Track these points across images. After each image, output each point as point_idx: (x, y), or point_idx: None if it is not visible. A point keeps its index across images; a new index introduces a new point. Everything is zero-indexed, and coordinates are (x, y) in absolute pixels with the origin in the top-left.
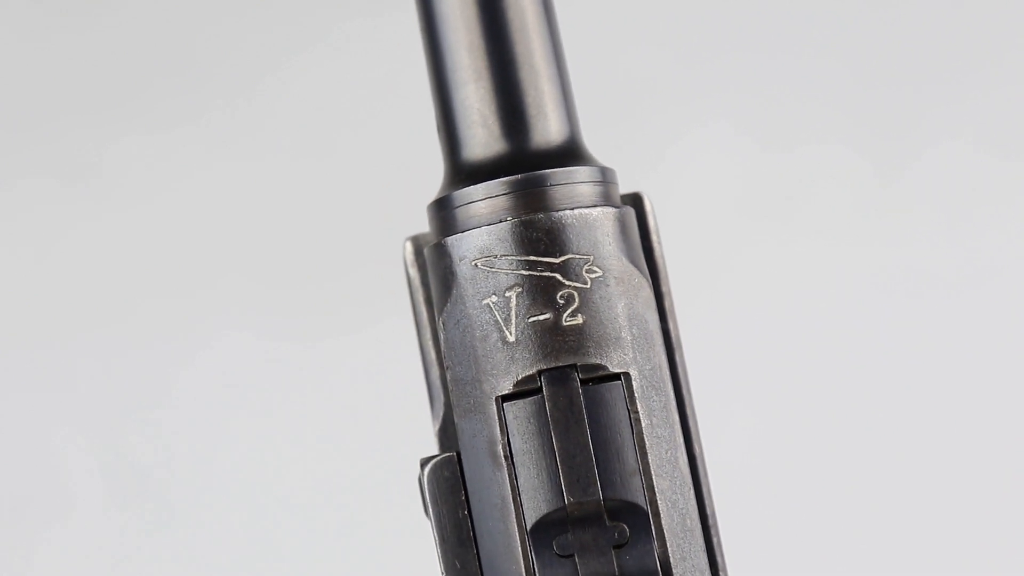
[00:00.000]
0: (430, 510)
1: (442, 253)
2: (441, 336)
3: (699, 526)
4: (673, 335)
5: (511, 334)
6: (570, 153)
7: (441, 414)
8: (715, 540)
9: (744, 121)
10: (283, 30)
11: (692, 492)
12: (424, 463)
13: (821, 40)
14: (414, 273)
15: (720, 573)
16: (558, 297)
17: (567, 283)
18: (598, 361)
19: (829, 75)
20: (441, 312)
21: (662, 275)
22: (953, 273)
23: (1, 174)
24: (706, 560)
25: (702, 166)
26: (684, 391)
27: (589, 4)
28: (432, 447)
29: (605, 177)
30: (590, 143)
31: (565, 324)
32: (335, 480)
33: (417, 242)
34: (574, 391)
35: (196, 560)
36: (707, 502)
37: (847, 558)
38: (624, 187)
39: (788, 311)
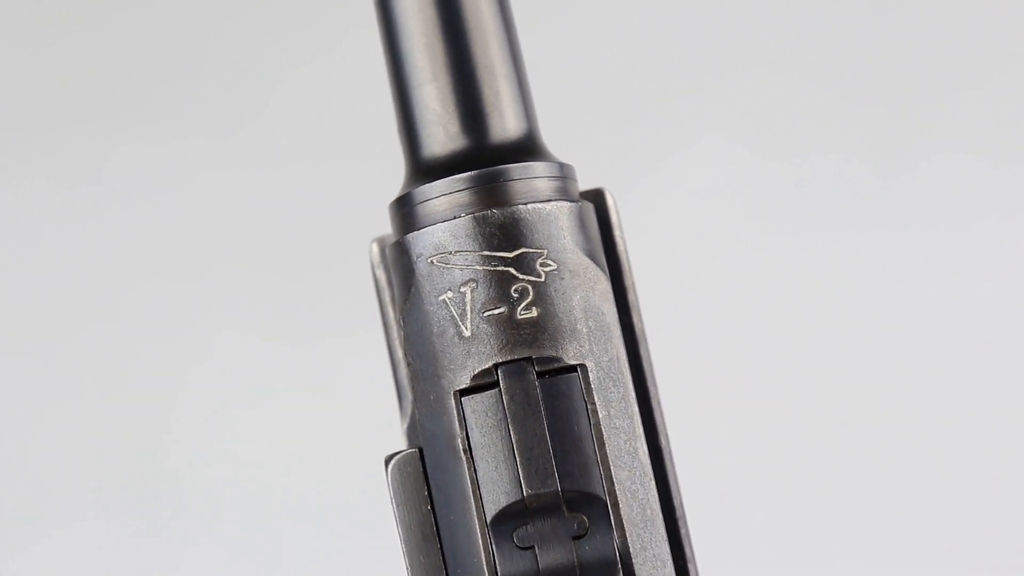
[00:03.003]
0: (394, 505)
1: (402, 251)
2: (401, 333)
3: (660, 516)
4: (637, 329)
5: (467, 329)
6: (526, 149)
7: (409, 412)
8: (683, 531)
9: (743, 131)
10: (285, 35)
11: (652, 483)
12: (388, 460)
13: (819, 50)
14: (380, 274)
15: (688, 564)
16: (512, 291)
17: (521, 277)
18: (554, 353)
19: (827, 85)
20: (402, 309)
21: (625, 270)
22: (951, 279)
23: (4, 178)
24: (668, 550)
25: (701, 176)
26: (649, 384)
27: (590, 16)
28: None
29: (562, 172)
30: (586, 148)
31: (520, 317)
32: (334, 481)
33: (382, 243)
34: (530, 384)
35: (196, 561)
36: (674, 494)
37: (834, 555)
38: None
39: (786, 316)
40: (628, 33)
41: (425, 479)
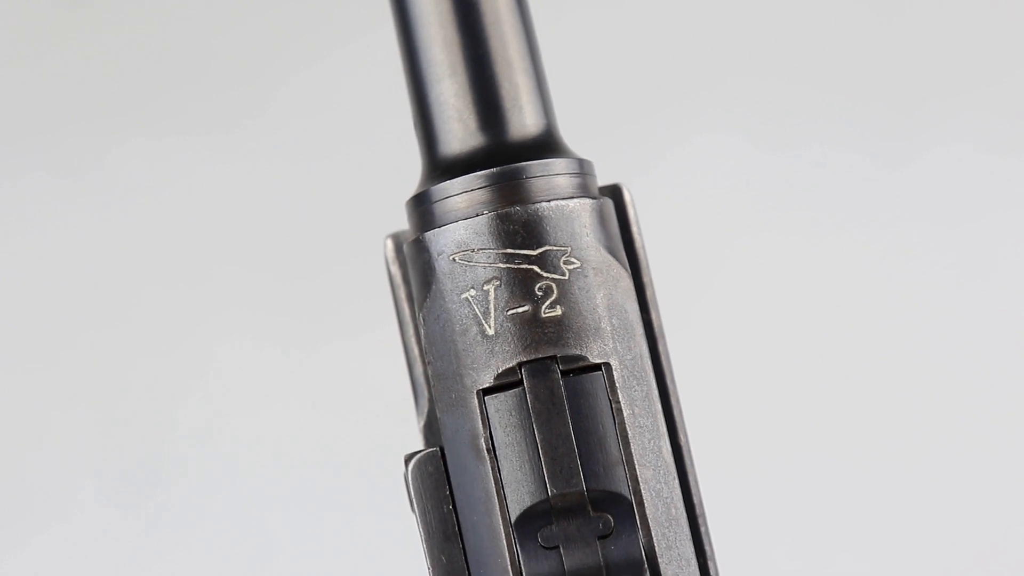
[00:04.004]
0: (415, 505)
1: (421, 248)
2: (422, 331)
3: (684, 515)
4: (656, 325)
5: (490, 327)
6: (546, 146)
7: (426, 410)
8: (703, 529)
9: (745, 128)
10: (289, 34)
11: (676, 481)
12: (408, 459)
13: (822, 44)
14: (395, 270)
15: (708, 562)
16: (536, 289)
17: (545, 275)
18: (578, 352)
19: (830, 78)
20: (421, 307)
21: (643, 266)
22: (953, 272)
23: (5, 176)
24: (692, 549)
25: (704, 170)
26: (668, 381)
27: (592, 11)
28: (419, 444)
29: (582, 169)
30: (595, 143)
31: (544, 316)
32: (334, 481)
33: (397, 239)
34: (555, 383)
35: (193, 560)
36: (694, 491)
37: (841, 552)
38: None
39: (789, 309)
40: (630, 28)
41: (446, 478)
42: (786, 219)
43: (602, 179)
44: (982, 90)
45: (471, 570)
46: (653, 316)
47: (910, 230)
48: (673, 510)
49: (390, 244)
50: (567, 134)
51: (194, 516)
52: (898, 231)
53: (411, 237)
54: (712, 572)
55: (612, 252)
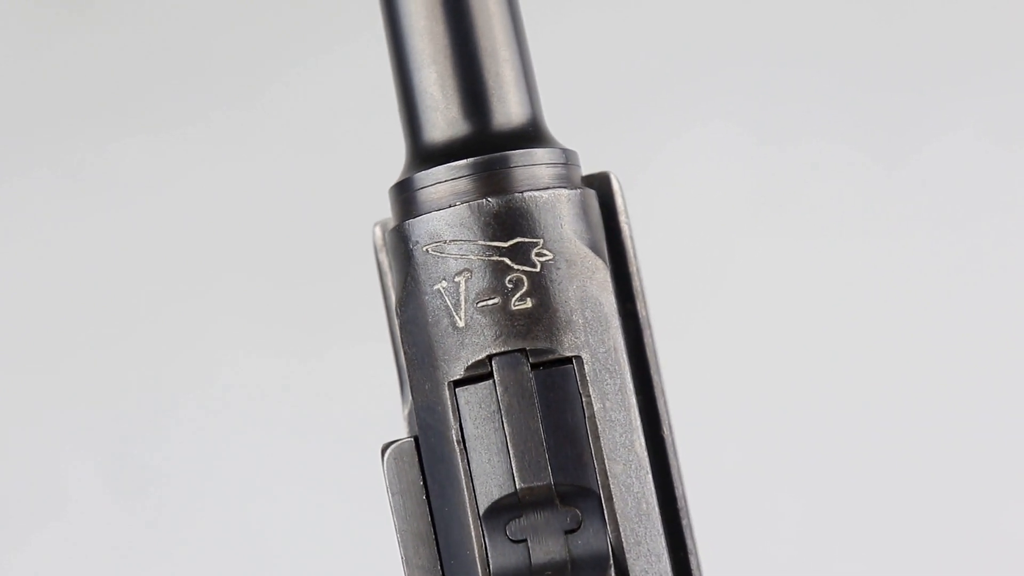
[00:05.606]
0: (389, 494)
1: (400, 237)
2: (398, 321)
3: (656, 510)
4: (641, 316)
5: (461, 319)
6: (528, 136)
7: (410, 398)
8: (684, 523)
9: (744, 118)
10: (287, 36)
11: (648, 476)
12: (384, 448)
13: (820, 37)
14: (383, 258)
15: (689, 556)
16: (507, 281)
17: (516, 267)
18: (548, 345)
19: (828, 72)
20: (399, 297)
21: (629, 255)
22: (953, 268)
23: (5, 175)
24: (663, 544)
25: (701, 163)
26: (653, 372)
27: (593, 3)
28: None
29: (564, 159)
30: (592, 139)
31: (514, 308)
32: (333, 481)
33: (386, 226)
34: (524, 376)
35: (192, 560)
36: (676, 485)
37: (837, 547)
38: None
39: (789, 305)
40: (627, 20)
41: (420, 469)
42: (784, 210)
43: (596, 170)
44: (984, 81)
45: (443, 560)
46: (639, 306)
47: (908, 221)
48: (644, 505)
49: (378, 231)
50: (561, 128)
51: (194, 517)
52: (896, 222)
53: (392, 225)
54: (693, 566)
55: (590, 243)
